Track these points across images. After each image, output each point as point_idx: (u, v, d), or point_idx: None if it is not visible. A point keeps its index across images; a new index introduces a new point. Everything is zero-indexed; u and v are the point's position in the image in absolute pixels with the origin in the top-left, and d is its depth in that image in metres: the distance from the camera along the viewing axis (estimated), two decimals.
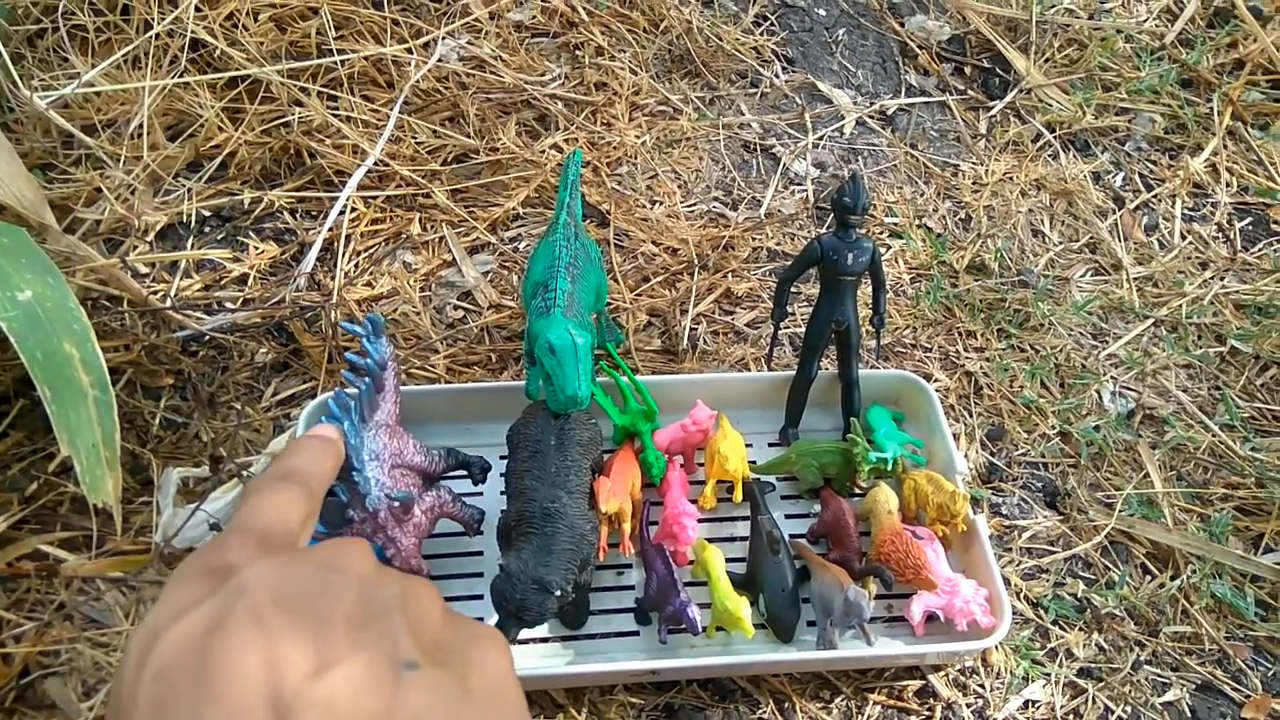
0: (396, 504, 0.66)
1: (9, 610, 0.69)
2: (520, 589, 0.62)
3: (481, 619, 0.70)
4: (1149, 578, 0.81)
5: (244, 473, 0.74)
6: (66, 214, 0.92)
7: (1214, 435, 0.90)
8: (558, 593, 0.62)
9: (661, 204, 1.03)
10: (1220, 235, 1.09)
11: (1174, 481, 0.87)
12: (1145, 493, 0.85)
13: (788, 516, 0.79)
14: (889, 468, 0.77)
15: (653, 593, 0.70)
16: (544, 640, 0.71)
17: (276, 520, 0.30)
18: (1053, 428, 0.89)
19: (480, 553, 0.75)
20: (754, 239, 1.01)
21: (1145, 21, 1.32)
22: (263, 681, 0.23)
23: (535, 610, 0.63)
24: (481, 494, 0.76)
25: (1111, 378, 0.94)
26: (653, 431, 0.78)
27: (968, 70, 1.24)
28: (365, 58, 1.07)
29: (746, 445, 0.80)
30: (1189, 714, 0.73)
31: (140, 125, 0.97)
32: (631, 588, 0.74)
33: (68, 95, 0.97)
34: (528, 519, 0.66)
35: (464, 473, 0.74)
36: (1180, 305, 1.01)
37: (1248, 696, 0.74)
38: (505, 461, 0.74)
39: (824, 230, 1.00)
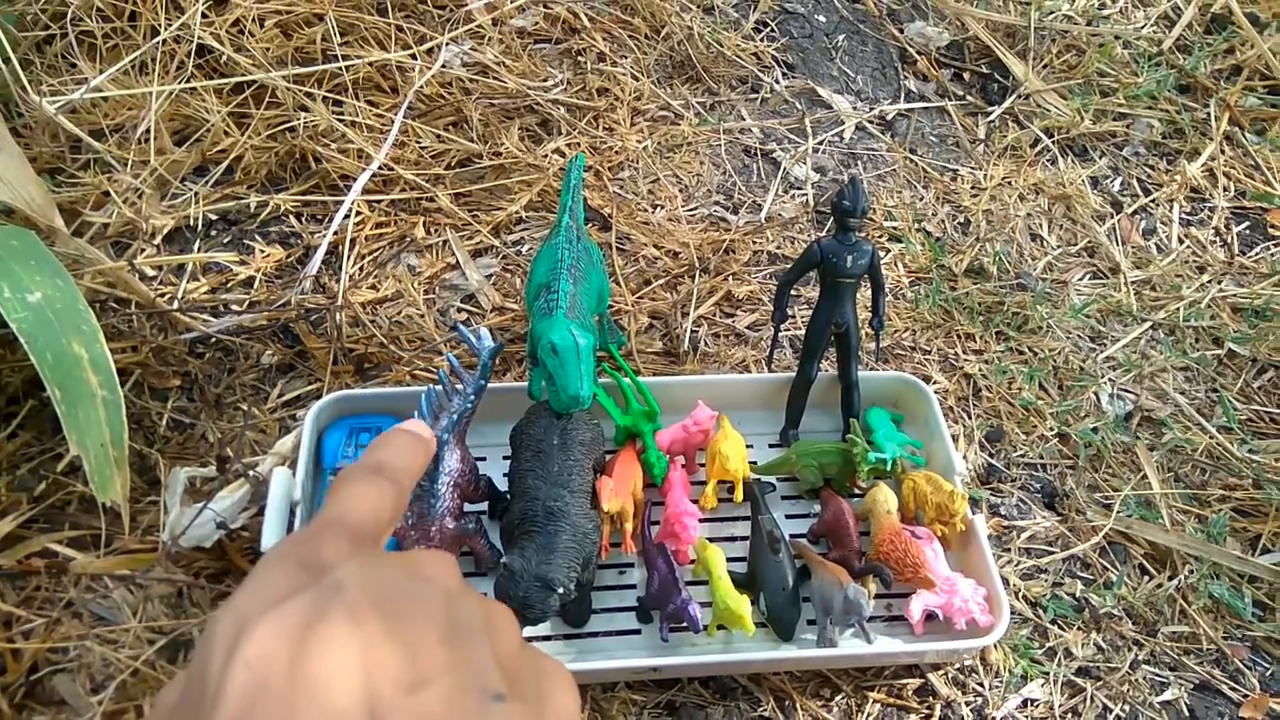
0: (450, 526, 0.68)
1: (19, 607, 0.70)
2: (523, 586, 0.63)
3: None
4: (1147, 578, 0.81)
5: (250, 473, 0.75)
6: (75, 217, 0.93)
7: (1211, 437, 0.91)
8: (560, 590, 0.63)
9: (663, 208, 1.04)
10: (1218, 239, 1.10)
11: (1172, 483, 0.88)
12: (1143, 494, 0.86)
13: (788, 516, 0.80)
14: (888, 468, 0.78)
15: (654, 591, 0.71)
16: (546, 638, 0.71)
17: (367, 516, 0.29)
18: (1051, 429, 0.89)
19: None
20: (754, 242, 1.01)
21: (1143, 28, 1.33)
22: (360, 686, 0.23)
23: (538, 608, 0.63)
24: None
25: (1109, 380, 0.94)
26: (654, 432, 0.79)
27: (966, 76, 1.25)
28: (370, 63, 1.08)
29: (747, 446, 0.81)
30: (1187, 713, 0.74)
31: (148, 130, 0.98)
32: (633, 586, 0.75)
33: (76, 100, 0.98)
34: (530, 518, 0.67)
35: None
36: (1178, 308, 1.01)
37: (1246, 696, 0.75)
38: (508, 462, 0.75)
39: (823, 234, 1.01)
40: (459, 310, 0.93)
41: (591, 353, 0.71)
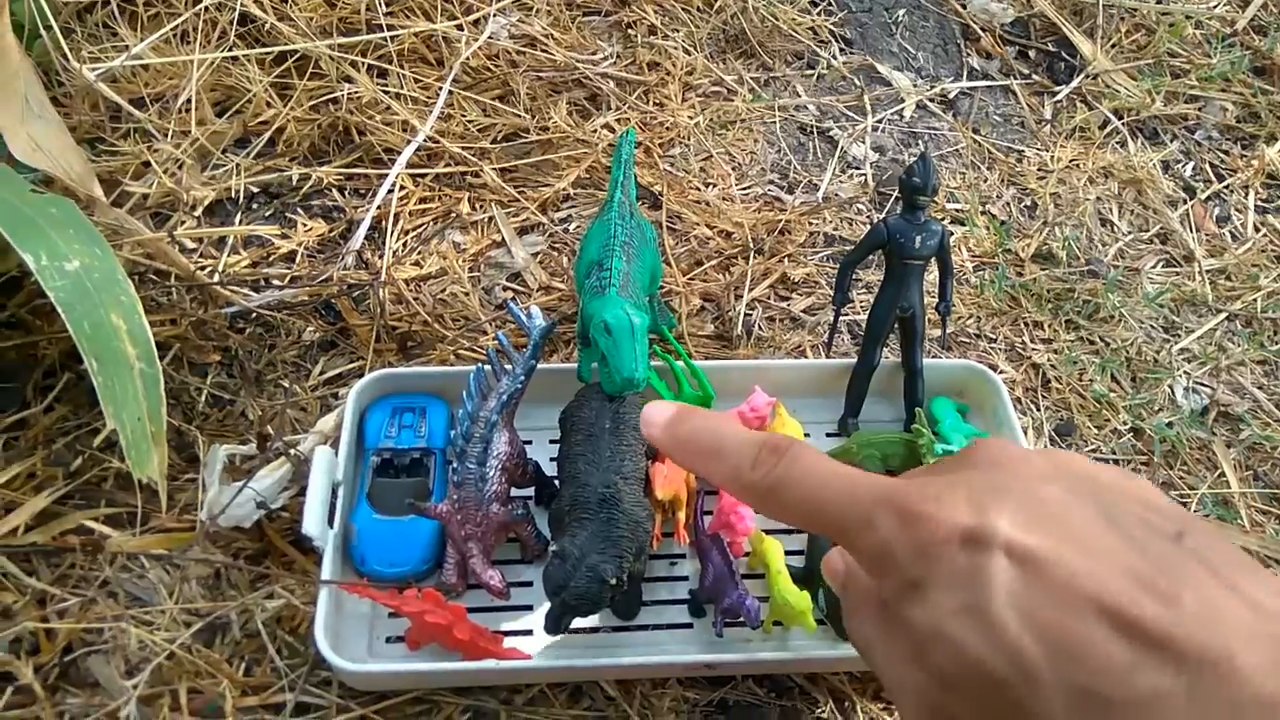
0: (496, 511, 0.66)
1: (53, 585, 0.68)
2: (576, 577, 0.60)
3: (530, 607, 0.68)
4: None
5: (291, 451, 0.72)
6: (114, 188, 0.91)
7: None
8: (613, 581, 0.60)
9: (715, 186, 1.00)
10: None
11: (1250, 481, 0.83)
12: (1220, 493, 0.82)
13: None
14: None
15: (709, 585, 0.68)
16: (594, 631, 0.69)
17: None
18: (1124, 423, 0.85)
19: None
20: (811, 223, 0.98)
21: (1216, 7, 1.27)
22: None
23: (589, 599, 0.60)
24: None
25: (1184, 373, 0.90)
26: None
27: (1032, 54, 1.20)
28: (415, 34, 1.05)
29: (805, 435, 0.77)
30: None
31: (188, 100, 0.96)
32: (685, 579, 0.72)
33: (116, 69, 0.96)
34: (582, 504, 0.63)
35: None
36: (1255, 299, 0.97)
37: None
38: (556, 445, 0.72)
39: (886, 213, 0.97)
40: (505, 289, 0.90)
41: (646, 333, 0.67)
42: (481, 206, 0.96)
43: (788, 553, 0.70)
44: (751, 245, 0.94)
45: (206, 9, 1.01)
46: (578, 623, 0.67)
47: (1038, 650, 0.34)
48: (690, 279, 0.92)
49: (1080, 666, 0.33)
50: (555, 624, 0.61)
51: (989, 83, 1.16)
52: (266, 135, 0.98)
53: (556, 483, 0.69)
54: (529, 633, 0.68)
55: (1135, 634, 0.33)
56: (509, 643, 0.65)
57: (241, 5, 1.01)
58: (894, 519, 0.41)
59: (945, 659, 0.37)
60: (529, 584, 0.70)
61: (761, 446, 0.47)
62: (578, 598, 0.60)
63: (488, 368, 0.71)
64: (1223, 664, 0.31)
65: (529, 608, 0.69)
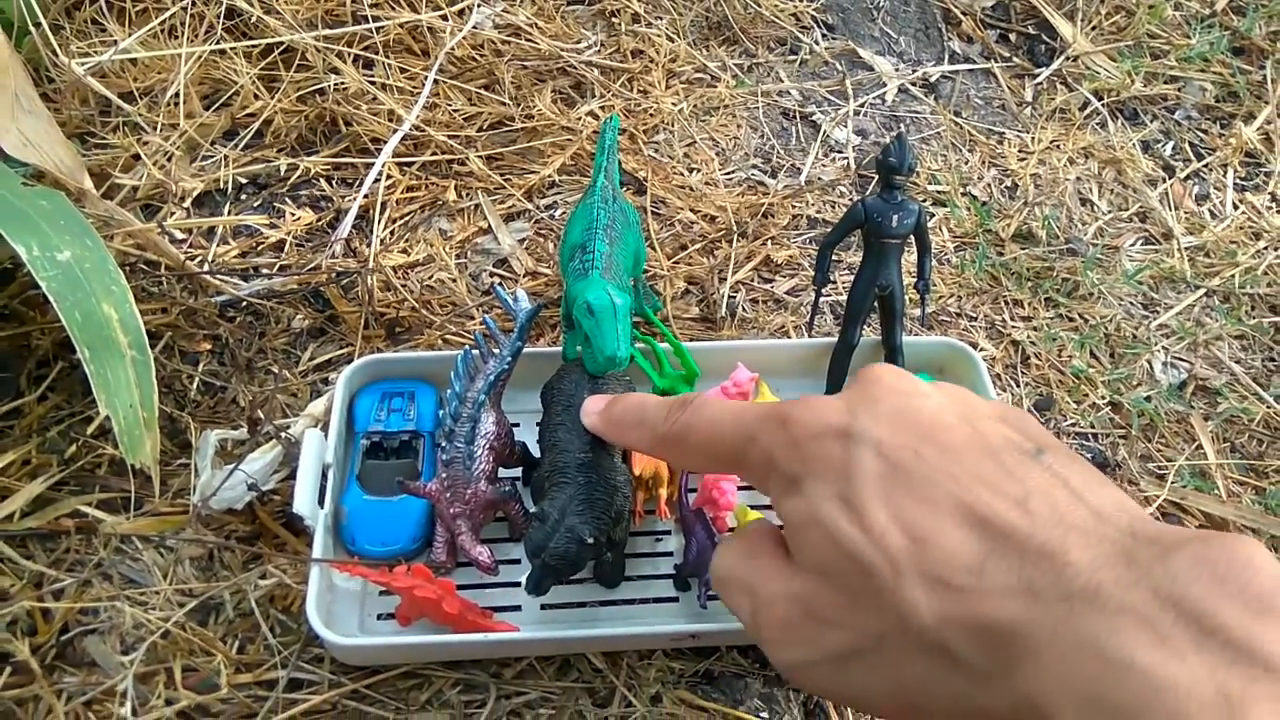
0: (484, 489, 0.67)
1: (49, 568, 0.69)
2: (555, 538, 0.61)
3: (519, 584, 0.70)
4: None
5: (281, 434, 0.73)
6: (104, 180, 0.92)
7: (1268, 407, 0.87)
8: (590, 540, 0.61)
9: (699, 171, 1.02)
10: (1274, 205, 1.06)
11: (1227, 453, 0.85)
12: (1198, 464, 0.83)
13: None
14: None
15: (693, 559, 0.69)
16: (581, 605, 0.70)
17: None
18: (1103, 398, 0.86)
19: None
20: (794, 206, 0.99)
21: None
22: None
23: (569, 560, 0.61)
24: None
25: (1163, 348, 0.91)
26: None
27: (1012, 37, 1.21)
28: (400, 25, 1.06)
29: None
30: None
31: (177, 93, 0.97)
32: (670, 554, 0.73)
33: (105, 63, 0.97)
34: (561, 469, 0.65)
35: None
36: (1233, 275, 0.98)
37: None
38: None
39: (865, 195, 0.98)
40: (491, 274, 0.91)
41: (628, 313, 0.69)
42: (468, 194, 0.97)
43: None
44: (735, 229, 0.95)
45: (194, 3, 1.02)
46: (565, 597, 0.69)
47: (901, 541, 0.38)
48: (675, 263, 0.93)
49: (936, 557, 0.37)
50: (536, 585, 0.62)
51: (970, 66, 1.17)
52: (254, 127, 0.99)
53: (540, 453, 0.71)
54: (518, 608, 0.69)
55: (986, 530, 0.37)
56: (498, 618, 0.67)
57: None
58: (774, 426, 0.45)
59: (819, 545, 0.41)
60: (516, 561, 0.71)
61: (675, 403, 0.52)
62: (557, 558, 0.61)
63: (475, 351, 0.72)
64: (1058, 558, 0.35)
65: (517, 584, 0.70)
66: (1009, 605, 0.35)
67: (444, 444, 0.68)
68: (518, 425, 0.76)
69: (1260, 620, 0.31)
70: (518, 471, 0.75)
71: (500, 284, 0.90)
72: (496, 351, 0.71)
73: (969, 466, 0.39)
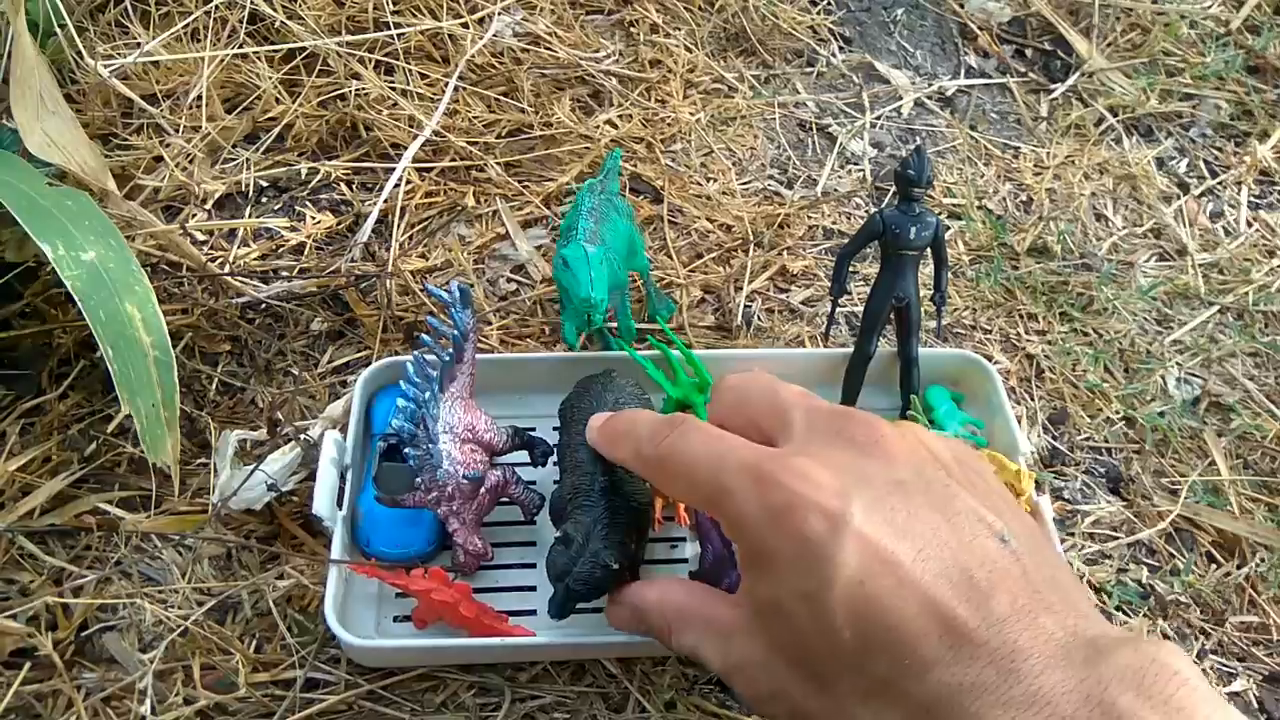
0: (466, 481, 0.66)
1: (70, 564, 0.69)
2: (580, 563, 0.61)
3: (535, 588, 0.70)
4: (1214, 566, 0.78)
5: (301, 436, 0.74)
6: (127, 182, 0.93)
7: None
8: (615, 566, 0.61)
9: (716, 181, 1.02)
10: None
11: (1240, 469, 0.85)
12: (1211, 480, 0.83)
13: None
14: None
15: (708, 566, 0.69)
16: (596, 610, 0.70)
17: None
18: (1116, 413, 0.87)
19: (533, 522, 0.74)
20: (809, 217, 0.99)
21: (1210, 6, 1.29)
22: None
23: (594, 585, 0.62)
24: (535, 481, 0.75)
25: (1176, 364, 0.91)
26: (706, 404, 0.77)
27: (1028, 53, 1.22)
28: (422, 32, 1.07)
29: None
30: (1256, 705, 0.71)
31: (199, 96, 0.98)
32: (685, 561, 0.74)
33: (128, 65, 0.98)
34: (584, 491, 0.65)
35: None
36: (1247, 292, 0.98)
37: None
38: (557, 435, 0.73)
39: (882, 206, 0.98)
40: (509, 280, 0.92)
41: (601, 262, 0.71)
42: (486, 200, 0.98)
43: None
44: (751, 238, 0.96)
45: (217, 7, 1.03)
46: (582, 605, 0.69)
47: (853, 643, 0.41)
48: (691, 271, 0.94)
49: (891, 657, 0.40)
50: (559, 609, 0.63)
51: (986, 81, 1.18)
52: (276, 130, 1.00)
53: (557, 469, 0.70)
54: (533, 613, 0.69)
55: (947, 629, 0.39)
56: (513, 622, 0.67)
57: (251, 4, 1.03)
58: (751, 486, 0.45)
59: (779, 633, 0.45)
60: (532, 566, 0.72)
61: (663, 423, 0.51)
62: (581, 583, 0.61)
63: (429, 355, 0.68)
64: (1006, 661, 0.38)
65: (533, 589, 0.71)
66: (956, 699, 0.38)
67: (409, 450, 0.65)
68: (533, 429, 0.76)
69: None
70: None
71: (514, 293, 0.90)
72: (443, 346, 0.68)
73: (942, 559, 0.41)
